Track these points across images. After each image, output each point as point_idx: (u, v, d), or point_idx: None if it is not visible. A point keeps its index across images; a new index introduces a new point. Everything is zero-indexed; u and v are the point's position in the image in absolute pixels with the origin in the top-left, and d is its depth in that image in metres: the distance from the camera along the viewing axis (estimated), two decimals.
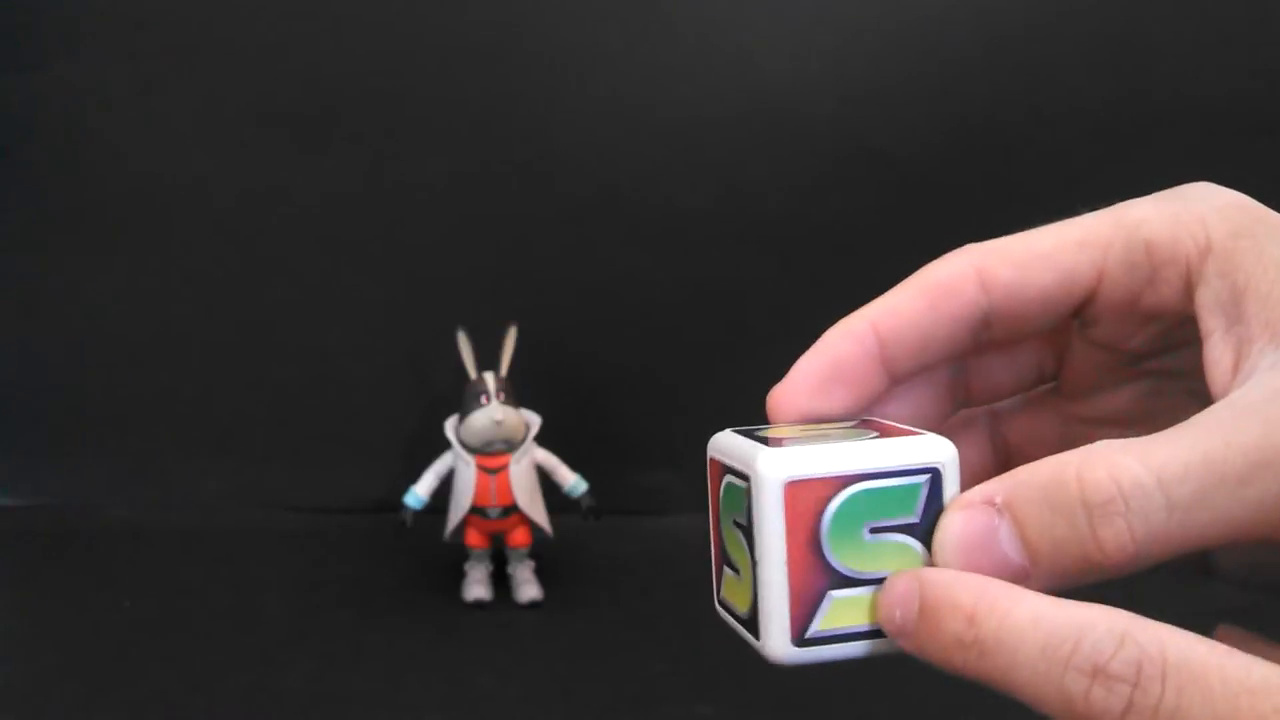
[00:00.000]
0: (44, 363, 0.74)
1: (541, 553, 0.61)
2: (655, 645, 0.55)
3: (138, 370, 0.74)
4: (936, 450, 0.22)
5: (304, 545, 0.68)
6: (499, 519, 0.59)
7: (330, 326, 0.73)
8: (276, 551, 0.67)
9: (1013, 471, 0.20)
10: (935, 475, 0.22)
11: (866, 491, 0.22)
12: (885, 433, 0.23)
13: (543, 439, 0.61)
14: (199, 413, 0.74)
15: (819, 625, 0.22)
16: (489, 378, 0.58)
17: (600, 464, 0.62)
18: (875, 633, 0.22)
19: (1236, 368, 0.21)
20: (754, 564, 0.22)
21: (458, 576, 0.61)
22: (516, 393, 0.59)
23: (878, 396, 0.25)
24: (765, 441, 0.23)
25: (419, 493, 0.60)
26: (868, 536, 0.22)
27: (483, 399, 0.58)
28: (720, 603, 0.24)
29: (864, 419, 0.25)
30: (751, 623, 0.22)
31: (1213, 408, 0.20)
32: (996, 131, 0.69)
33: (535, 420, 0.60)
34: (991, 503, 0.20)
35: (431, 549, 0.61)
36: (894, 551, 0.22)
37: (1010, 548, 0.20)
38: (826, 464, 0.21)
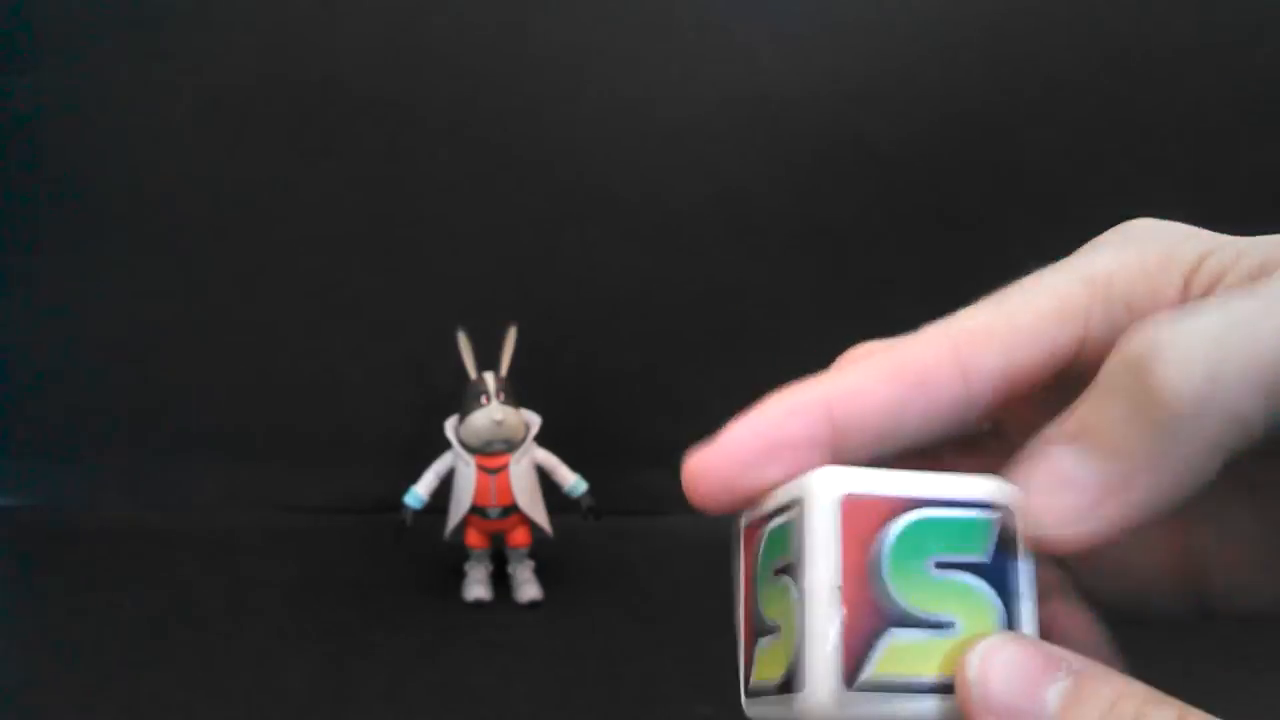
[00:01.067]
0: (44, 363, 0.74)
1: (541, 553, 0.61)
2: (655, 645, 0.55)
3: (138, 370, 0.74)
4: (1008, 492, 0.19)
5: (304, 545, 0.68)
6: (499, 519, 0.59)
7: (330, 326, 0.73)
8: (276, 551, 0.67)
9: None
10: (1007, 516, 0.19)
11: (933, 520, 0.19)
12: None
13: (543, 439, 0.61)
14: (199, 413, 0.74)
15: (874, 669, 0.18)
16: (489, 378, 0.58)
17: (600, 464, 0.62)
18: (940, 688, 0.18)
19: None
20: (800, 600, 0.19)
21: (458, 576, 0.61)
22: (516, 393, 0.59)
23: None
24: None
25: (419, 493, 0.60)
26: (933, 572, 0.19)
27: (483, 399, 0.58)
28: (750, 693, 0.21)
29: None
30: (791, 677, 0.19)
31: None
32: (995, 131, 0.69)
33: (535, 420, 0.60)
34: (1050, 442, 0.19)
35: (431, 549, 0.61)
36: (961, 593, 0.19)
37: (1084, 462, 0.18)
38: (889, 484, 0.19)
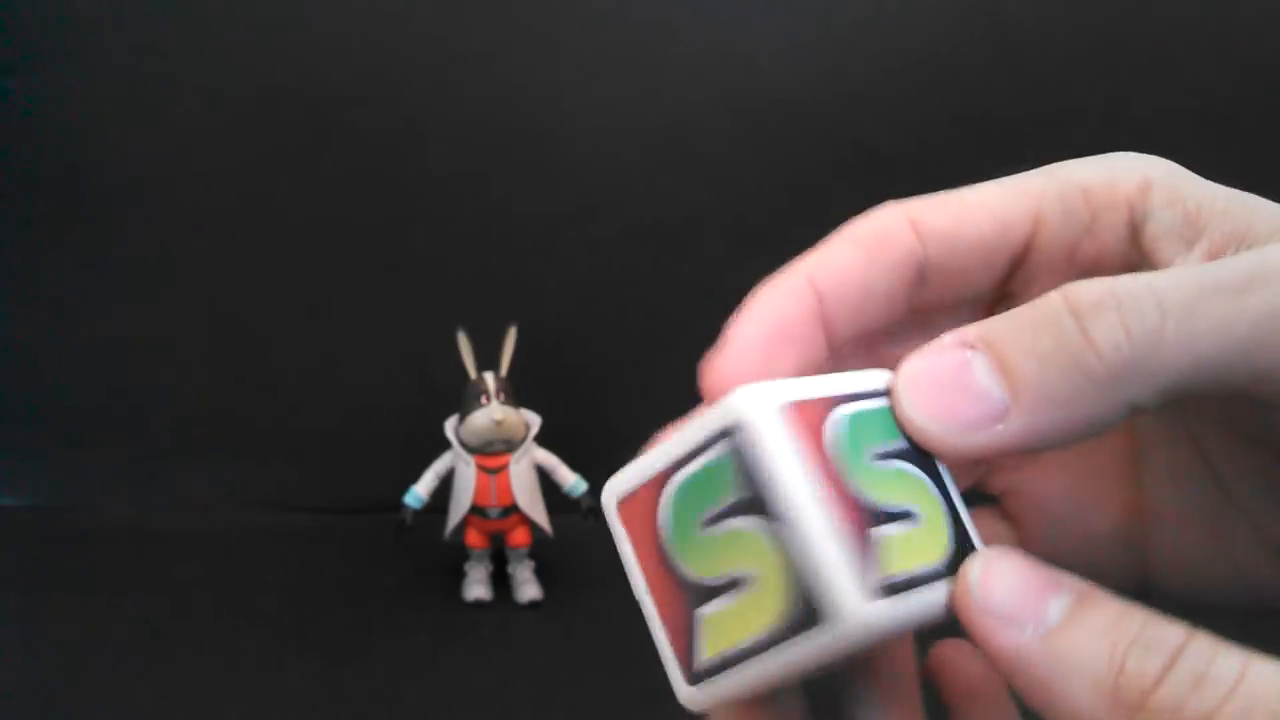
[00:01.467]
0: (44, 363, 0.74)
1: (541, 553, 0.61)
2: (655, 645, 0.55)
3: (138, 370, 0.74)
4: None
5: (304, 545, 0.68)
6: (499, 519, 0.59)
7: (330, 326, 0.73)
8: (276, 551, 0.67)
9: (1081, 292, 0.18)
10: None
11: (858, 413, 0.18)
12: None
13: (543, 439, 0.61)
14: (199, 413, 0.74)
15: (880, 572, 0.17)
16: (489, 378, 0.58)
17: (600, 464, 0.62)
18: (935, 575, 0.17)
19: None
20: (783, 527, 0.17)
21: (458, 576, 0.61)
22: (516, 393, 0.59)
23: (820, 364, 0.21)
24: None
25: (419, 492, 0.60)
26: (877, 463, 0.18)
27: (483, 399, 0.58)
28: (700, 674, 0.18)
29: None
30: (798, 615, 0.17)
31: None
32: (996, 132, 0.69)
33: (535, 420, 0.60)
34: (964, 341, 0.18)
35: (431, 549, 0.61)
36: (905, 480, 0.18)
37: (986, 379, 0.18)
38: (810, 388, 0.18)
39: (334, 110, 0.70)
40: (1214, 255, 0.20)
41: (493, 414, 0.57)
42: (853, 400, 0.18)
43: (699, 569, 0.18)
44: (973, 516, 0.20)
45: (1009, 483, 0.23)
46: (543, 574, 0.61)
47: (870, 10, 0.68)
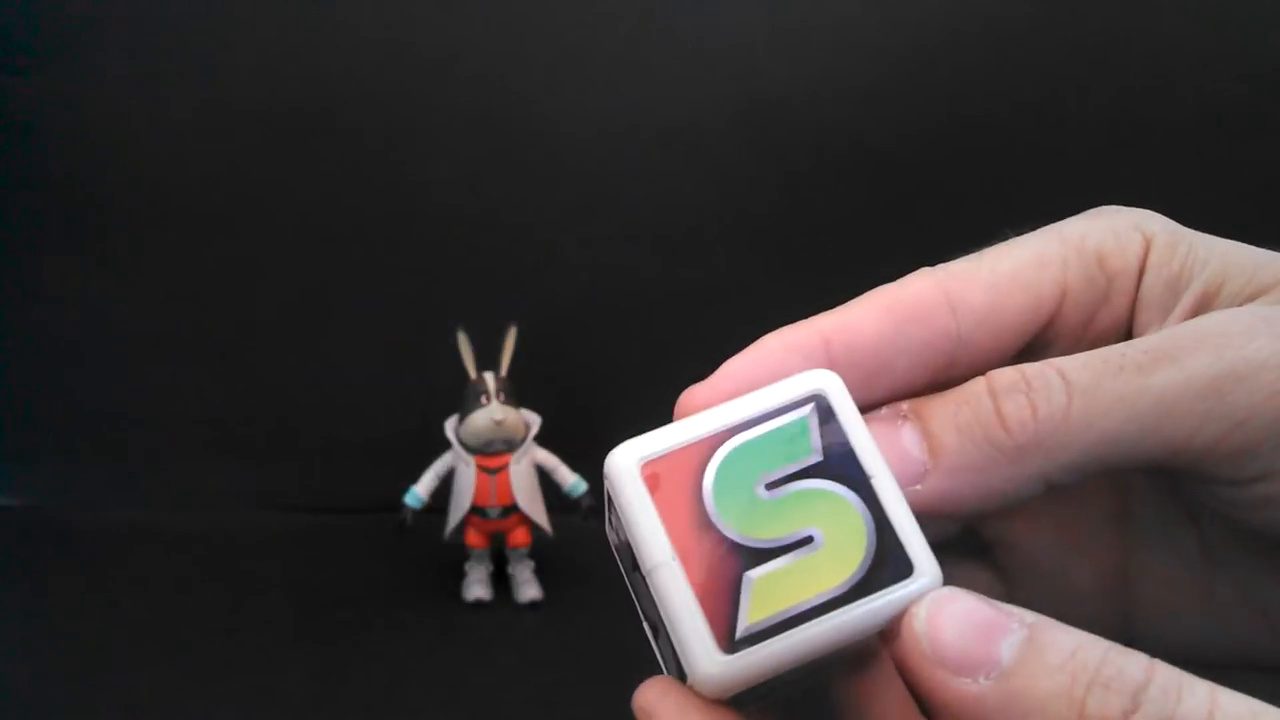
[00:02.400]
0: (44, 363, 0.74)
1: (541, 553, 0.61)
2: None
3: (138, 370, 0.74)
4: (813, 380, 0.19)
5: (304, 545, 0.68)
6: (499, 519, 0.59)
7: (330, 326, 0.73)
8: (276, 551, 0.67)
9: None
10: (819, 401, 0.18)
11: (747, 444, 0.18)
12: None
13: (543, 439, 0.61)
14: (199, 413, 0.74)
15: (747, 620, 0.17)
16: (489, 378, 0.58)
17: (600, 464, 0.62)
18: (826, 606, 0.17)
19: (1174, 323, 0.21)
20: (647, 588, 0.17)
21: (458, 576, 0.61)
22: (516, 393, 0.59)
23: None
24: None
25: (419, 493, 0.60)
26: (765, 494, 0.18)
27: (483, 399, 0.58)
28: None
29: None
30: (680, 667, 0.18)
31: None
32: (997, 132, 0.69)
33: (535, 420, 0.60)
34: (898, 410, 0.20)
35: (431, 549, 0.61)
36: (808, 502, 0.18)
37: (911, 443, 0.19)
38: (688, 430, 0.18)
39: (334, 110, 0.70)
40: (1183, 318, 0.20)
41: (493, 414, 0.57)
42: (746, 428, 0.18)
43: (642, 605, 0.18)
44: (962, 568, 0.20)
45: (997, 533, 0.23)
46: (543, 574, 0.61)
47: (869, 10, 0.68)
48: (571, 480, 0.61)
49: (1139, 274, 0.21)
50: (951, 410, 0.19)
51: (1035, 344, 0.22)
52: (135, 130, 0.71)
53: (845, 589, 0.17)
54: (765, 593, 0.17)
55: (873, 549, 0.18)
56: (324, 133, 0.70)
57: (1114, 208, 0.23)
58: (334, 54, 0.70)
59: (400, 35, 0.69)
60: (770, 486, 0.18)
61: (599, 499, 0.64)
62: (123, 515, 0.72)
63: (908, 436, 0.19)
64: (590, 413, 0.71)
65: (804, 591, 0.17)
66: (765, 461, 0.18)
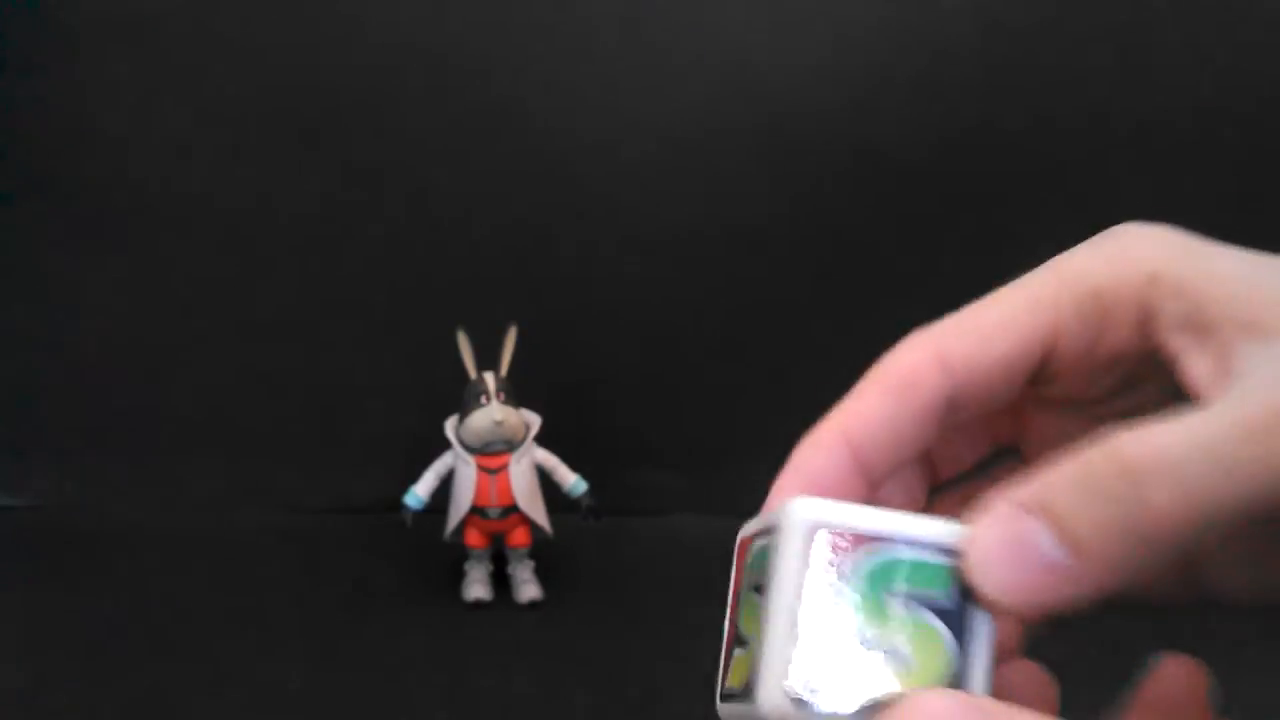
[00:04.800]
0: (44, 363, 0.74)
1: (541, 553, 0.61)
2: (655, 645, 0.55)
3: (138, 370, 0.74)
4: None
5: (304, 545, 0.68)
6: (499, 519, 0.59)
7: (330, 326, 0.73)
8: (276, 551, 0.67)
9: (1027, 478, 0.19)
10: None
11: (900, 558, 0.20)
12: None
13: (543, 439, 0.61)
14: (199, 413, 0.74)
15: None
16: (489, 378, 0.58)
17: (600, 464, 0.62)
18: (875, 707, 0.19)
19: (1224, 372, 0.20)
20: (767, 609, 0.20)
21: (458, 576, 0.61)
22: (516, 393, 0.59)
23: (857, 492, 0.23)
24: None
25: (419, 493, 0.60)
26: (894, 605, 0.20)
27: (483, 399, 0.58)
28: (723, 696, 0.22)
29: None
30: (752, 681, 0.20)
31: (1215, 400, 0.20)
32: (1000, 137, 0.69)
33: (535, 420, 0.60)
34: (1024, 507, 0.19)
35: (431, 549, 0.61)
36: (919, 629, 0.20)
37: (1053, 551, 0.19)
38: (859, 518, 0.20)
39: (335, 111, 0.70)
40: (1226, 353, 0.20)
41: (493, 414, 0.57)
42: (904, 544, 0.20)
43: (742, 619, 0.22)
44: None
45: None
46: (543, 574, 0.61)
47: (872, 17, 0.68)
48: (571, 480, 0.61)
49: (1137, 307, 0.22)
50: (1087, 504, 0.19)
51: (1041, 377, 0.23)
52: (135, 130, 0.71)
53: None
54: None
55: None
56: (324, 133, 0.70)
57: (1126, 229, 0.23)
58: (336, 55, 0.70)
59: (402, 36, 0.69)
60: (904, 600, 0.20)
61: (599, 499, 0.64)
62: (123, 515, 0.72)
63: (1047, 544, 0.19)
64: (590, 413, 0.71)
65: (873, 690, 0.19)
66: (908, 580, 0.20)
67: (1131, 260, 0.22)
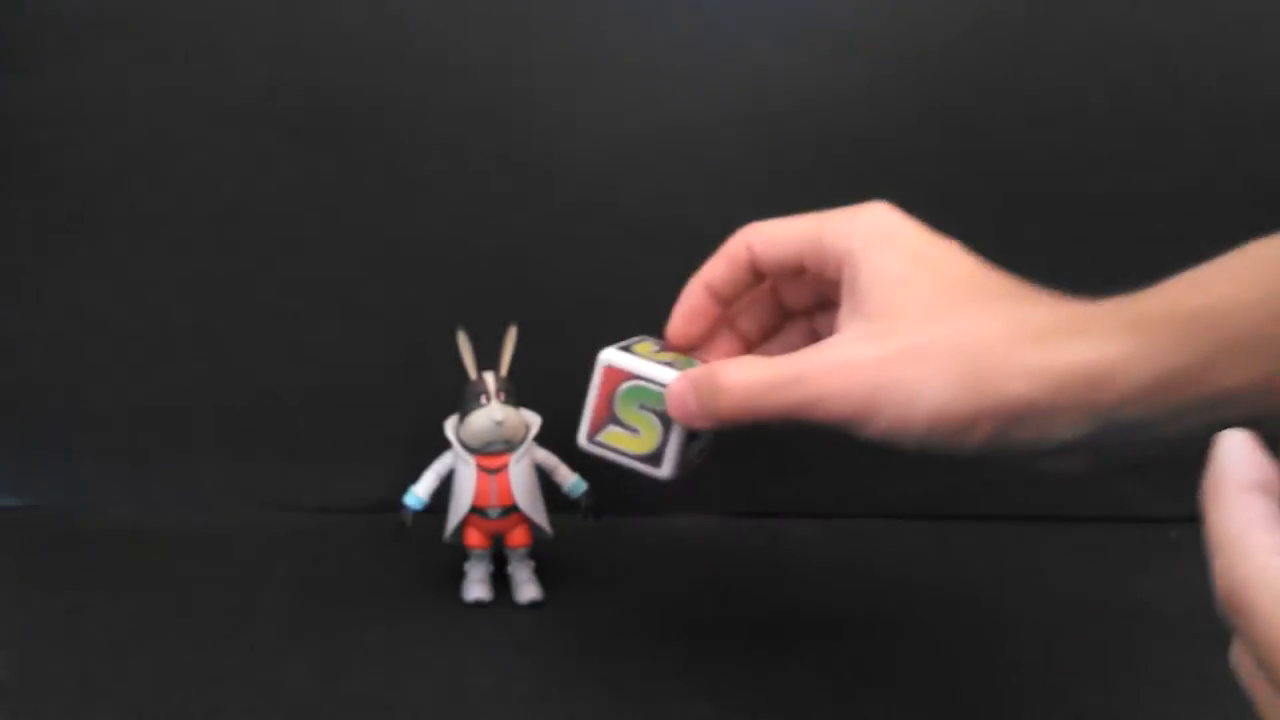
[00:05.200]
0: (44, 363, 0.74)
1: (541, 553, 0.61)
2: (655, 645, 0.55)
3: (138, 370, 0.74)
4: (669, 377, 0.45)
5: (304, 545, 0.68)
6: (499, 519, 0.59)
7: (330, 326, 0.73)
8: (276, 551, 0.67)
9: (704, 371, 0.43)
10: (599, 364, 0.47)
11: (639, 386, 0.47)
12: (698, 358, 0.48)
13: (543, 439, 0.61)
14: (199, 413, 0.74)
15: (603, 438, 0.49)
16: (489, 378, 0.58)
17: (600, 464, 0.62)
18: (632, 457, 0.47)
19: (840, 328, 0.40)
20: (667, 428, 0.46)
21: (458, 576, 0.61)
22: (516, 393, 0.59)
23: (720, 317, 0.48)
24: (653, 362, 0.47)
25: (419, 493, 0.60)
26: (636, 408, 0.47)
27: (483, 399, 0.58)
28: (594, 441, 0.48)
29: (701, 355, 0.49)
30: (655, 457, 0.47)
31: (801, 351, 0.40)
32: (997, 132, 0.69)
33: (535, 420, 0.60)
34: (689, 378, 0.43)
35: (431, 549, 0.61)
36: (647, 420, 0.47)
37: (692, 401, 0.43)
38: (625, 362, 0.48)
39: (334, 109, 0.70)
40: (846, 317, 0.41)
41: (493, 414, 0.57)
42: (644, 379, 0.47)
43: (622, 415, 0.47)
44: None
45: None
46: (543, 574, 0.61)
47: (870, 11, 0.68)
48: (571, 480, 0.61)
49: (838, 265, 0.41)
50: (705, 389, 0.43)
51: (799, 274, 0.45)
52: (135, 130, 0.71)
53: (640, 455, 0.47)
54: (612, 435, 0.48)
55: (652, 449, 0.47)
56: (324, 132, 0.70)
57: (867, 209, 0.43)
58: (335, 53, 0.70)
59: (400, 34, 0.69)
60: (640, 407, 0.47)
61: (599, 499, 0.64)
62: (123, 515, 0.72)
63: (690, 397, 0.44)
64: None
65: (626, 445, 0.47)
66: (644, 397, 0.46)
67: (846, 235, 0.41)
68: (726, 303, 0.47)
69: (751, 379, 0.39)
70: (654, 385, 0.46)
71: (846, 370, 0.37)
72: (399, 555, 0.64)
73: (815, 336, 0.46)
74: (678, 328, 0.48)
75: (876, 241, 0.40)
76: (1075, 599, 0.60)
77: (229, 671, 0.52)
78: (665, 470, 0.47)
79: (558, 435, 0.61)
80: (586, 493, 0.61)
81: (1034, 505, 0.71)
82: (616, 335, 0.74)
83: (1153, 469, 0.70)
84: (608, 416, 0.48)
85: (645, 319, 0.73)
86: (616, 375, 0.47)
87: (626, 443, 0.47)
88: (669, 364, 0.46)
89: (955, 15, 0.68)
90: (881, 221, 0.41)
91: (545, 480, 0.61)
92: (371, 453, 0.72)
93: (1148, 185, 0.68)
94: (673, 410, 0.44)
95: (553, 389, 0.62)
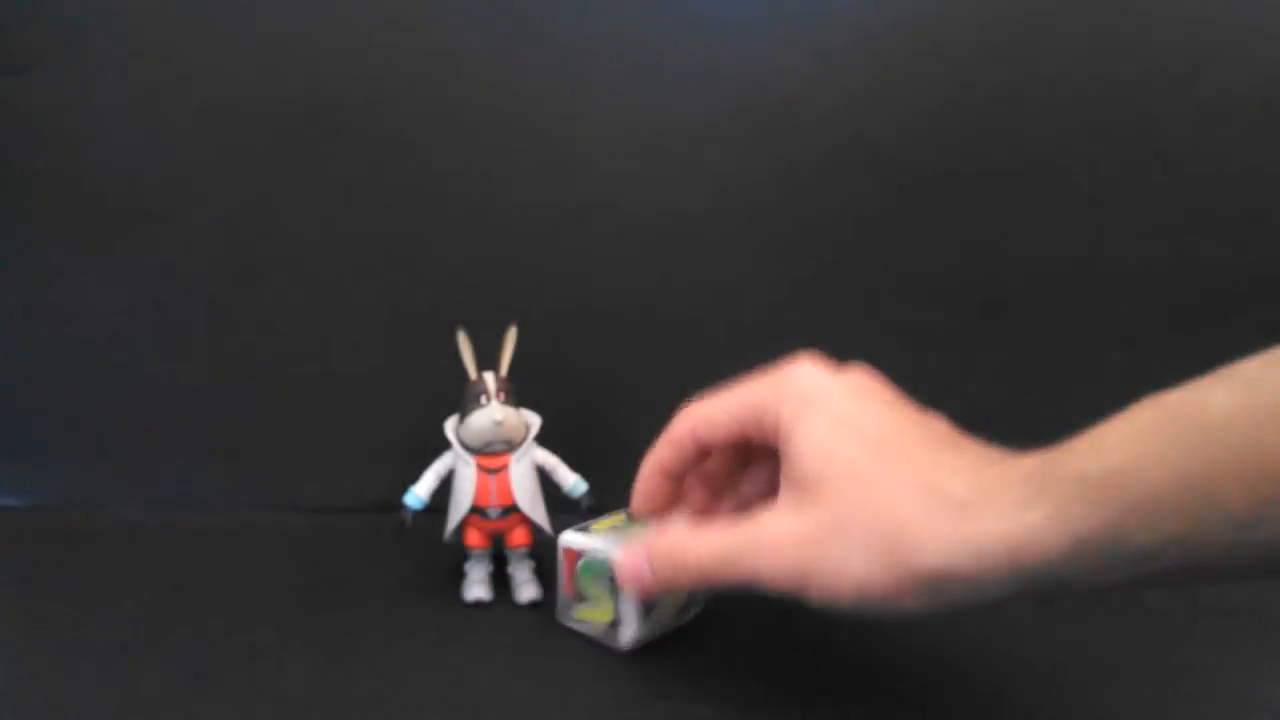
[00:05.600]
0: (44, 363, 0.74)
1: (541, 553, 0.61)
2: (655, 645, 0.55)
3: (138, 370, 0.74)
4: (615, 554, 0.49)
5: (304, 545, 0.68)
6: (499, 519, 0.59)
7: (330, 326, 0.73)
8: (276, 551, 0.67)
9: (658, 538, 0.47)
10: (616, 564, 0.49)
11: (593, 560, 0.54)
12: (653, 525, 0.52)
13: (543, 439, 0.61)
14: (199, 413, 0.74)
15: (575, 616, 0.56)
16: (489, 378, 0.58)
17: (600, 464, 0.62)
18: (595, 627, 0.54)
19: (778, 495, 0.43)
20: (616, 598, 0.52)
21: (458, 576, 0.61)
22: (516, 393, 0.59)
23: (673, 492, 0.52)
24: (605, 536, 0.54)
25: (419, 493, 0.60)
26: (593, 579, 0.54)
27: (483, 399, 0.58)
28: (569, 618, 0.55)
29: (630, 515, 0.53)
30: (613, 625, 0.53)
31: (742, 524, 0.44)
32: (998, 131, 0.69)
33: (535, 420, 0.60)
34: (642, 547, 0.47)
35: (431, 549, 0.61)
36: (602, 589, 0.53)
37: (645, 569, 0.47)
38: (578, 541, 0.55)
39: (334, 110, 0.70)
40: (783, 486, 0.43)
41: (493, 414, 0.57)
42: (596, 553, 0.53)
43: (584, 588, 0.54)
44: None
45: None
46: (543, 574, 0.61)
47: (871, 11, 0.68)
48: (571, 480, 0.61)
49: (775, 434, 0.44)
50: (660, 557, 0.47)
51: (748, 446, 0.49)
52: (135, 130, 0.71)
53: (603, 626, 0.53)
54: (584, 611, 0.55)
55: (611, 619, 0.53)
56: (324, 133, 0.70)
57: (791, 373, 0.45)
58: (334, 54, 0.70)
59: (400, 35, 0.69)
60: (592, 577, 0.53)
61: (599, 499, 0.64)
62: (123, 515, 0.72)
63: (643, 564, 0.47)
64: (590, 413, 0.71)
65: (592, 616, 0.54)
66: (597, 568, 0.53)
67: (776, 407, 0.44)
68: (679, 478, 0.51)
69: (703, 554, 0.44)
70: (602, 559, 0.52)
71: (776, 548, 0.41)
72: (399, 555, 0.64)
73: (768, 480, 0.49)
74: (639, 506, 0.52)
75: (801, 408, 0.43)
76: (1075, 599, 0.60)
77: (229, 671, 0.52)
78: (625, 636, 0.52)
79: (558, 435, 0.61)
80: (586, 493, 0.61)
81: None
82: (616, 335, 0.74)
83: None
84: (574, 593, 0.55)
85: (645, 319, 0.74)
86: (573, 554, 0.54)
87: (592, 615, 0.54)
88: (620, 534, 0.54)
89: (956, 15, 0.68)
90: (806, 385, 0.44)
91: (545, 480, 0.61)
92: (371, 453, 0.72)
93: (1148, 185, 0.68)
94: (626, 584, 0.48)
95: (553, 389, 0.62)
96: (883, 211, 0.70)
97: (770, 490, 0.45)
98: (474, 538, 0.60)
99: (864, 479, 0.40)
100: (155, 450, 0.74)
